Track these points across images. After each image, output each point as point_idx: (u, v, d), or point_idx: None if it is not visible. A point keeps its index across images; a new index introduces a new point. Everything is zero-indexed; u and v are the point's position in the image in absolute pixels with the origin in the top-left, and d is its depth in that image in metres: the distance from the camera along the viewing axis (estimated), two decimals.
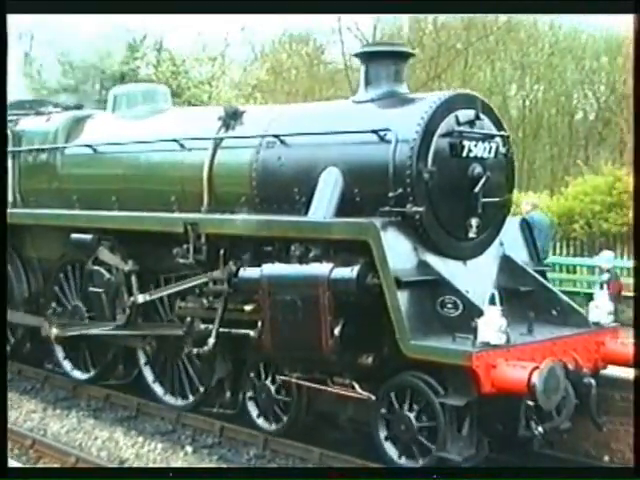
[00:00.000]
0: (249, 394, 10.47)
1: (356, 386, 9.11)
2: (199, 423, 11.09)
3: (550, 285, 9.92)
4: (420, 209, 8.92)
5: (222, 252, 10.13)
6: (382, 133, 9.21)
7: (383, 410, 9.03)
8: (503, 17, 36.60)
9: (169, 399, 11.52)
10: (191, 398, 11.23)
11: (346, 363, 9.02)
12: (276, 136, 10.09)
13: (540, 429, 8.53)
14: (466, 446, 8.46)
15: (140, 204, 11.28)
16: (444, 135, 9.17)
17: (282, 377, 9.78)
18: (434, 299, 8.87)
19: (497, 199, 9.63)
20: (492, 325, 8.27)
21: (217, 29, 31.37)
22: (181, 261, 10.44)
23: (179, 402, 11.39)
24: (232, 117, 10.77)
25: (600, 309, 9.48)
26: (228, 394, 10.73)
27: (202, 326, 10.45)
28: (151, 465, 10.17)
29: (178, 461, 10.20)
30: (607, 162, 25.74)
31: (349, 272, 8.79)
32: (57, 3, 10.19)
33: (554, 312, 9.51)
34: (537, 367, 8.08)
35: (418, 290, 8.80)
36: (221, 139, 10.69)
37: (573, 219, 18.99)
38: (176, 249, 10.47)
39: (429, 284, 8.90)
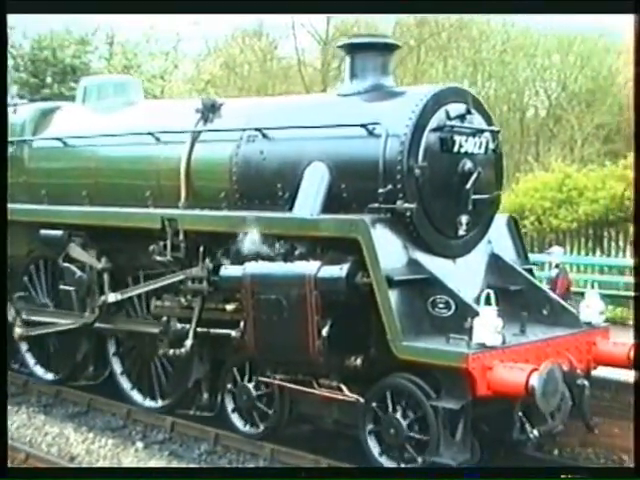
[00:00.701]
0: (228, 396, 10.11)
1: (344, 388, 8.82)
2: (150, 419, 10.94)
3: (540, 284, 9.70)
4: (412, 206, 8.66)
5: (202, 249, 9.78)
6: (371, 127, 8.94)
7: (371, 413, 8.75)
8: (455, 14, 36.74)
9: (142, 401, 11.15)
10: (167, 400, 10.85)
11: (333, 364, 8.73)
12: (258, 129, 9.76)
13: (535, 432, 8.34)
14: (460, 451, 8.19)
15: (112, 199, 10.91)
16: (435, 130, 8.93)
17: (264, 379, 9.46)
18: (425, 298, 8.62)
19: (487, 196, 9.39)
20: (488, 326, 8.04)
21: (170, 23, 31.03)
22: (158, 258, 10.07)
23: (153, 404, 11.02)
24: (210, 110, 10.42)
25: (591, 309, 9.28)
26: (205, 396, 10.37)
27: (179, 325, 10.10)
28: (101, 461, 9.98)
29: (129, 457, 10.02)
30: (557, 159, 25.81)
31: (338, 271, 8.51)
32: (57, 3, 10.06)
33: (544, 311, 9.29)
34: (535, 369, 7.86)
35: (409, 289, 8.54)
36: (199, 132, 10.35)
37: (523, 215, 18.94)
38: (153, 246, 10.10)
39: (419, 283, 8.65)
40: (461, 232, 9.22)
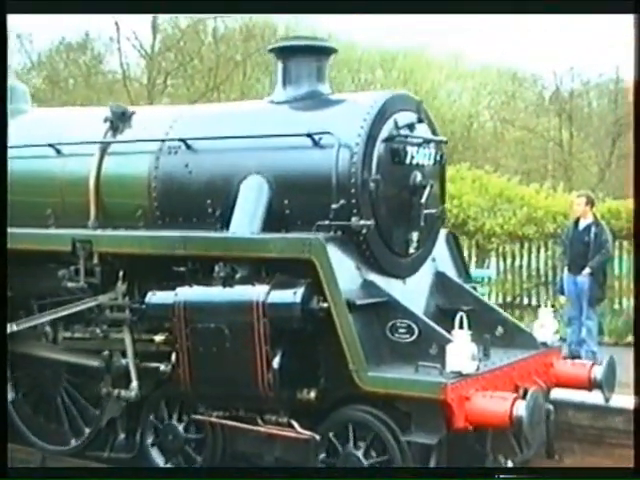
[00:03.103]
0: (150, 436, 9.07)
1: (295, 425, 8.00)
2: None
3: (491, 303, 9.17)
4: (369, 222, 7.95)
5: (121, 274, 8.77)
6: (317, 137, 8.17)
7: (323, 450, 7.96)
8: (282, 29, 36.52)
9: (45, 443, 9.94)
10: (74, 442, 9.68)
11: (285, 399, 7.91)
12: (183, 140, 8.84)
13: (510, 463, 7.78)
14: None
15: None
16: (386, 140, 8.24)
17: (198, 417, 8.52)
18: (383, 323, 7.92)
19: (435, 210, 8.80)
20: (463, 352, 7.42)
21: None
22: (69, 285, 8.96)
23: (59, 446, 9.81)
24: (120, 119, 9.43)
25: (545, 328, 8.81)
26: (122, 436, 9.29)
27: (123, 361, 8.91)
28: None
29: None
30: None
31: (291, 295, 7.69)
32: (57, 3, 9.52)
33: (497, 333, 8.74)
34: (517, 397, 7.29)
35: (368, 314, 7.82)
36: (109, 143, 9.34)
37: None
38: (62, 271, 8.99)
39: (377, 307, 7.93)
40: (411, 250, 8.59)
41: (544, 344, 8.73)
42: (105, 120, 9.43)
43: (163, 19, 35.03)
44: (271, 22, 36.37)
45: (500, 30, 53.79)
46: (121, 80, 36.13)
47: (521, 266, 16.77)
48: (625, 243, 16.00)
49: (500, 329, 8.75)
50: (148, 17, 33.79)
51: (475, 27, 45.31)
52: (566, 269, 13.09)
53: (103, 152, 9.31)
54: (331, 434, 7.88)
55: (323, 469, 7.90)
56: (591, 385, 8.60)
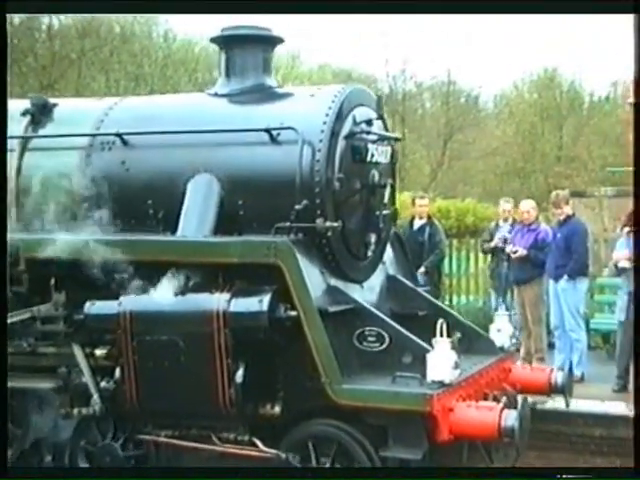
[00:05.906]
0: (82, 458, 8.24)
1: (258, 443, 7.42)
2: None
3: (446, 307, 8.80)
4: (336, 224, 7.45)
5: (53, 282, 7.97)
6: (275, 133, 7.61)
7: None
8: (117, 28, 35.58)
9: None
10: None
11: (247, 415, 7.35)
12: (119, 135, 8.11)
13: None
14: None
15: None
16: (346, 137, 7.76)
17: (145, 437, 7.82)
18: (351, 331, 7.45)
19: (388, 211, 8.37)
20: (445, 360, 7.02)
21: None
22: None
23: None
24: (42, 111, 8.61)
25: (502, 332, 8.51)
26: (49, 459, 8.45)
27: (83, 378, 7.94)
28: None
29: None
30: None
31: (257, 303, 7.13)
32: (57, 3, 9.58)
33: (455, 337, 8.35)
34: (505, 407, 6.95)
35: (336, 322, 7.33)
36: (29, 138, 8.53)
37: None
38: None
39: (344, 314, 7.45)
40: (369, 253, 8.14)
41: (501, 349, 8.44)
42: (24, 113, 8.61)
43: None
44: (107, 20, 35.26)
45: (336, 31, 54.28)
46: None
47: None
48: (454, 241, 16.28)
49: (458, 334, 8.37)
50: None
51: (312, 28, 45.26)
52: None
53: (23, 148, 8.48)
54: (295, 451, 7.36)
55: (321, 469, 7.33)
56: (551, 390, 8.36)
